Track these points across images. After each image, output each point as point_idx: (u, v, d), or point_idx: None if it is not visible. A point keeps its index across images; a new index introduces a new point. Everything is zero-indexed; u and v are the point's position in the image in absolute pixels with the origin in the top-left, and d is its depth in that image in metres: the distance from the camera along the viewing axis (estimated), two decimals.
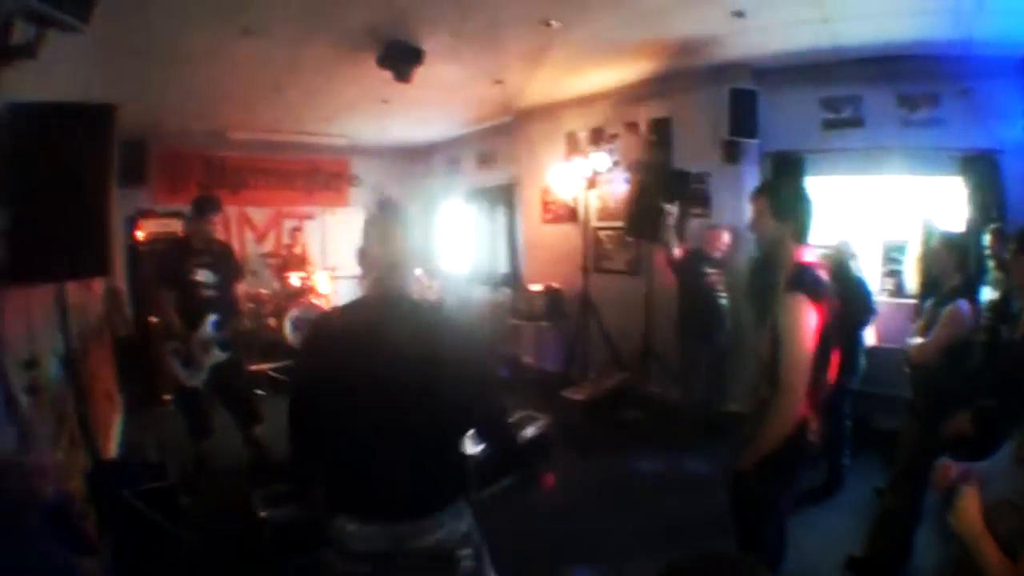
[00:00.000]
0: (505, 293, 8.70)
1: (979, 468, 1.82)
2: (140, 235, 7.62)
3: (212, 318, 4.18)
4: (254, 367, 4.71)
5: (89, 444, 3.25)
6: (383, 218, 1.94)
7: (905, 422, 3.27)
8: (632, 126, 6.72)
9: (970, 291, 3.14)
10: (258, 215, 9.68)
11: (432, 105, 7.30)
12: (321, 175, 10.27)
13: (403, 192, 10.22)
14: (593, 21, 4.62)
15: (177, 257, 4.31)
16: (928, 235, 4.19)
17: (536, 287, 7.47)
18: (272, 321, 7.34)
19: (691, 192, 6.03)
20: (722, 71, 5.60)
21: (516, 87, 6.66)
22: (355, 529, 1.71)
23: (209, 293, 4.24)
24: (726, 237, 5.52)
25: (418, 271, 7.31)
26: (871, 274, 4.89)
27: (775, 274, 2.34)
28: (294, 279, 8.05)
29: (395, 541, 1.68)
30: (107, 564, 1.92)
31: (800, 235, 2.29)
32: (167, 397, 5.59)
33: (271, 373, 6.83)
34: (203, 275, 4.23)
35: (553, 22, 4.59)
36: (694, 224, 6.07)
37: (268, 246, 9.53)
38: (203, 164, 9.06)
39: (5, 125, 2.27)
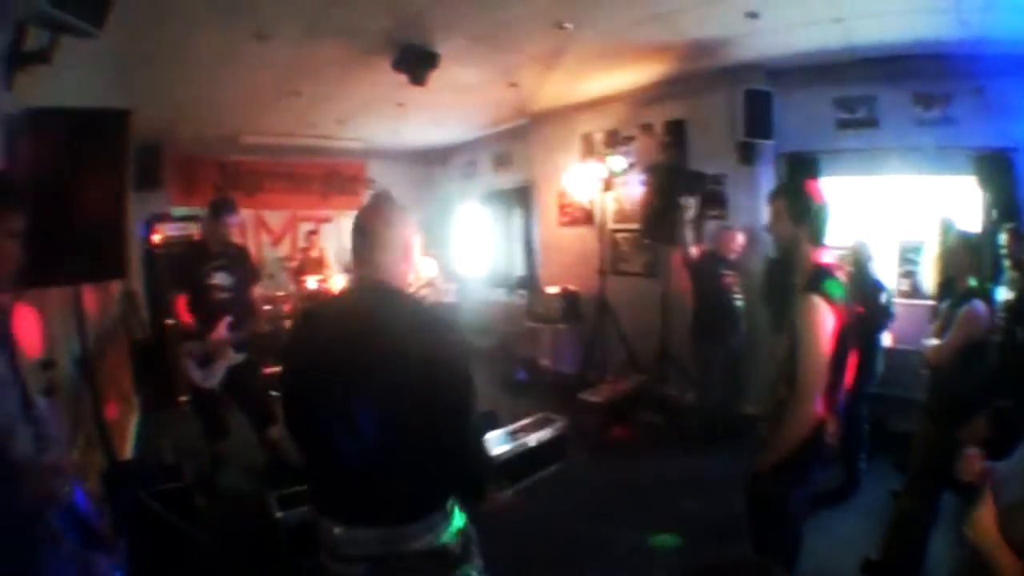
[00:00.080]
0: (522, 295, 8.71)
1: (998, 468, 1.80)
2: (156, 238, 7.67)
3: (228, 320, 4.20)
4: (270, 369, 4.72)
5: (105, 445, 3.28)
6: (364, 207, 1.90)
7: (920, 424, 3.23)
8: (647, 128, 6.70)
9: (985, 292, 3.10)
10: (274, 219, 9.70)
11: (447, 108, 7.32)
12: (338, 179, 10.28)
13: (419, 195, 10.25)
14: (606, 23, 4.62)
15: (193, 260, 4.33)
16: (946, 233, 4.14)
17: (553, 289, 7.45)
18: (288, 324, 7.34)
19: (707, 192, 6.00)
20: (736, 72, 5.57)
21: (531, 90, 6.66)
22: (342, 533, 1.65)
23: (225, 295, 4.25)
24: (740, 238, 5.48)
25: (432, 272, 7.32)
26: (887, 275, 4.83)
27: (792, 275, 2.33)
28: (311, 282, 8.07)
29: (387, 544, 1.62)
30: (123, 564, 1.93)
31: (817, 237, 2.29)
32: (183, 398, 5.61)
33: None
34: (219, 278, 4.23)
35: (567, 24, 4.59)
36: (710, 226, 6.04)
37: (284, 249, 9.57)
38: (218, 168, 9.10)
39: (22, 130, 2.30)
